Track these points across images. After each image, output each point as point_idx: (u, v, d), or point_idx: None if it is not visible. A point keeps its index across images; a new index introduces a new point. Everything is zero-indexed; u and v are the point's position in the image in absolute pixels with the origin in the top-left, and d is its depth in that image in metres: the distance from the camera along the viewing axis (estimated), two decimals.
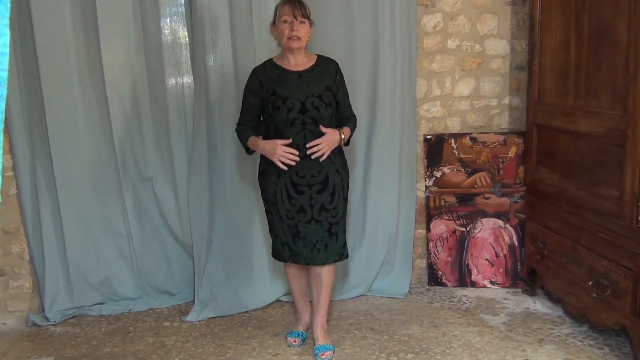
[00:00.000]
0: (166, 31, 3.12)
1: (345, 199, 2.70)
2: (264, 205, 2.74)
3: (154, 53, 3.11)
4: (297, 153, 2.54)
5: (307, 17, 2.56)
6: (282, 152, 2.52)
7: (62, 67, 3.02)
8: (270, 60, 2.70)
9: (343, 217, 2.68)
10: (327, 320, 2.85)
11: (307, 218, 2.61)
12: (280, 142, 2.53)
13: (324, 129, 2.56)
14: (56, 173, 3.08)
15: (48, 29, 2.96)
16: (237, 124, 2.73)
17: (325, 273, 2.68)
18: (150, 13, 3.07)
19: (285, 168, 2.54)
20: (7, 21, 0.79)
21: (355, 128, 2.74)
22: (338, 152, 2.67)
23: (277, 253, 2.74)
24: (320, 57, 2.70)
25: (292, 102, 2.55)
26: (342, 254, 2.69)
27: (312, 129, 2.56)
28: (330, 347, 2.69)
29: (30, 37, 2.95)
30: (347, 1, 3.11)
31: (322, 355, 2.64)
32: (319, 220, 2.61)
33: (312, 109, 2.55)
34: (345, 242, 2.70)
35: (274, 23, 2.62)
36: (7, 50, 0.80)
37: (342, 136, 2.62)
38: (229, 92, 3.12)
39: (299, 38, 2.54)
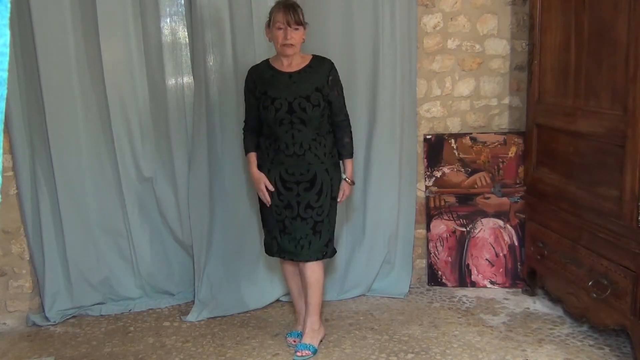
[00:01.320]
0: (166, 31, 3.12)
1: (334, 199, 2.72)
2: (258, 200, 2.78)
3: (154, 53, 3.11)
4: (270, 202, 2.67)
5: (301, 24, 2.58)
6: (262, 193, 2.67)
7: (62, 67, 3.02)
8: (267, 60, 2.74)
9: (329, 216, 2.70)
10: (327, 320, 2.84)
11: (293, 214, 2.66)
12: (263, 184, 2.66)
13: (341, 195, 2.73)
14: (56, 173, 3.07)
15: (48, 29, 2.96)
16: (244, 121, 2.80)
17: (309, 272, 2.69)
18: (150, 13, 3.07)
19: (266, 201, 2.69)
20: (7, 21, 0.79)
21: (352, 139, 2.77)
22: (329, 153, 2.70)
23: (267, 247, 2.80)
24: (315, 58, 2.71)
25: (280, 102, 2.60)
26: (324, 252, 2.70)
27: (300, 129, 2.60)
28: (312, 347, 2.69)
29: (30, 37, 2.94)
30: (347, 1, 3.11)
31: (299, 353, 2.66)
32: (304, 217, 2.66)
33: (299, 109, 2.59)
34: (329, 241, 2.72)
35: (269, 25, 2.63)
36: (7, 50, 0.80)
37: (349, 180, 2.74)
38: (229, 92, 3.13)
39: (292, 45, 2.58)
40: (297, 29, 2.56)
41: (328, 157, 2.69)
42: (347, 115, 2.75)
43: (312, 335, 2.72)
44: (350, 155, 2.75)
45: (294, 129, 2.60)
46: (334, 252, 2.77)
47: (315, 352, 2.68)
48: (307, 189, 2.64)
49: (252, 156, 2.73)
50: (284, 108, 2.59)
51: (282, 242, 2.71)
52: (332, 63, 2.70)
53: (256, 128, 2.73)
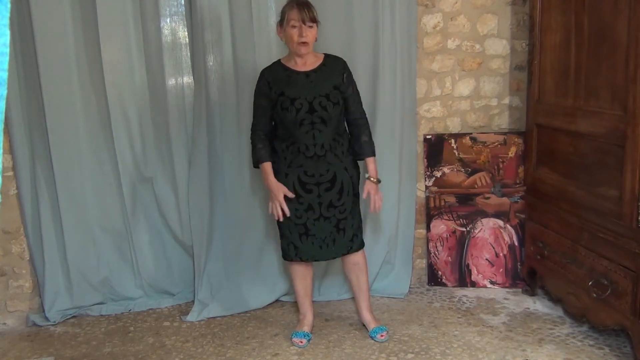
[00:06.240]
0: (166, 31, 3.12)
1: (356, 195, 2.74)
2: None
3: (154, 53, 3.11)
4: (288, 214, 2.62)
5: (315, 21, 2.57)
6: (279, 204, 2.62)
7: (62, 67, 3.02)
8: (279, 61, 2.73)
9: (352, 212, 2.73)
10: (327, 320, 2.84)
11: (315, 215, 2.67)
12: (282, 194, 2.61)
13: (366, 194, 2.67)
14: (56, 173, 3.08)
15: (48, 29, 2.96)
16: (251, 129, 2.75)
17: (360, 259, 2.80)
18: (150, 13, 3.07)
19: (279, 215, 2.64)
20: (7, 21, 0.79)
21: (371, 137, 2.76)
22: (346, 151, 2.71)
23: (285, 253, 2.79)
24: (327, 56, 2.72)
25: (301, 102, 2.58)
26: (350, 247, 2.74)
27: (320, 129, 2.60)
28: (384, 328, 2.81)
29: (30, 37, 2.95)
30: (348, 1, 3.11)
31: (381, 336, 2.76)
32: (327, 216, 2.67)
33: (319, 108, 2.58)
34: (354, 235, 2.74)
35: (281, 24, 2.62)
36: (7, 50, 0.80)
37: (374, 179, 2.69)
38: (229, 92, 3.12)
39: (307, 43, 2.56)
40: (311, 27, 2.56)
41: (346, 155, 2.70)
42: (363, 113, 2.76)
43: (375, 318, 2.87)
44: (372, 154, 2.72)
45: (314, 129, 2.59)
46: (361, 245, 2.79)
47: (387, 330, 2.81)
48: (328, 188, 2.65)
49: (268, 166, 2.66)
50: (304, 108, 2.57)
51: (304, 245, 2.70)
52: (345, 61, 2.72)
53: (268, 134, 2.70)
